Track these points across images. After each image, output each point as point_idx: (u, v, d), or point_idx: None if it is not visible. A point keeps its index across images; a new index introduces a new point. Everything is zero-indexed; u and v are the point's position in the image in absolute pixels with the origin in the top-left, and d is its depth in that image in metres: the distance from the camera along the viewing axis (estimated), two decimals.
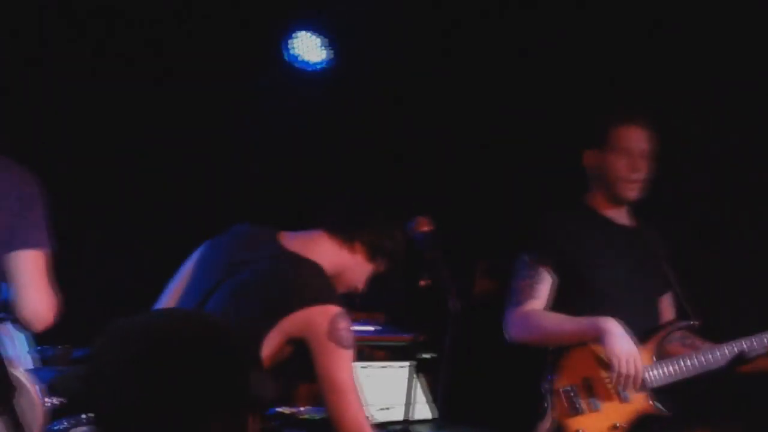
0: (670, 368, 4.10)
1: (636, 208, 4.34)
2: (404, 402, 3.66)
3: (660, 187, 4.29)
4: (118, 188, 5.39)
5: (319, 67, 5.85)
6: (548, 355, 4.16)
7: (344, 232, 3.41)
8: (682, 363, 4.10)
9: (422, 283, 3.42)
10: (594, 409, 4.01)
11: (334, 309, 3.20)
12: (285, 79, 5.80)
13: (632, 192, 4.26)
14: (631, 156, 4.21)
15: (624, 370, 3.96)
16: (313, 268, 3.28)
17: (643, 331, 4.15)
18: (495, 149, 5.78)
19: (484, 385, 3.91)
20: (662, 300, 4.37)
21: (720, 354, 4.11)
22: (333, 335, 3.14)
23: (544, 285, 4.20)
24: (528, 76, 5.54)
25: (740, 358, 4.07)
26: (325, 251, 3.37)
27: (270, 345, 3.15)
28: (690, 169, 4.97)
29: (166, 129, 5.44)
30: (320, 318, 3.15)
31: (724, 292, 4.95)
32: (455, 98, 5.79)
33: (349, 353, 3.16)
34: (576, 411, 3.99)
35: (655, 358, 4.13)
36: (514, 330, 4.19)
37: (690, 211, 5.09)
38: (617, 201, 4.29)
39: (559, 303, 4.21)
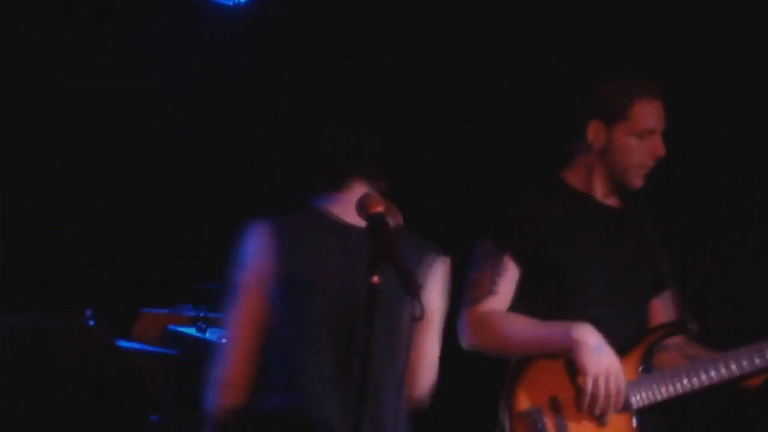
0: (661, 384, 3.50)
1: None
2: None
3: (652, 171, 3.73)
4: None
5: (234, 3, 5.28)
6: (508, 368, 3.54)
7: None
8: (675, 378, 3.51)
9: (374, 279, 2.80)
10: None
11: None
12: (195, 20, 5.32)
13: (641, 180, 3.66)
14: (654, 138, 3.62)
15: (599, 392, 3.39)
16: None
17: (629, 337, 3.55)
18: (458, 111, 5.07)
19: (439, 405, 3.40)
20: (656, 301, 3.75)
21: (724, 366, 3.52)
22: None
23: (507, 278, 3.58)
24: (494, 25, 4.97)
25: (749, 373, 3.48)
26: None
27: None
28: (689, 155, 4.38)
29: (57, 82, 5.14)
30: None
31: (728, 292, 4.45)
32: (408, 47, 5.12)
33: None
34: None
35: (641, 371, 3.53)
36: (468, 334, 3.56)
37: (687, 199, 4.59)
38: (618, 188, 3.68)
39: (524, 301, 3.59)
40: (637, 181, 3.66)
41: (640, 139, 3.65)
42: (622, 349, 3.51)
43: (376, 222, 2.93)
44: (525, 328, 3.53)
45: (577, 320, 3.50)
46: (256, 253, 3.13)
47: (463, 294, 3.60)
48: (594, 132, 3.66)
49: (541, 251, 3.59)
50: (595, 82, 3.71)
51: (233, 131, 5.31)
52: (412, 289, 2.81)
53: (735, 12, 4.63)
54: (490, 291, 3.58)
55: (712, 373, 3.51)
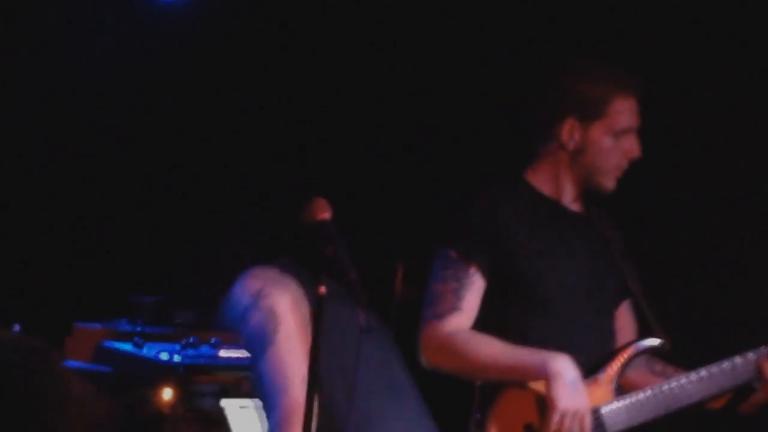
0: (639, 408, 3.43)
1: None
2: None
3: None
4: None
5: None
6: (476, 390, 3.43)
7: None
8: (652, 401, 3.44)
9: (321, 290, 2.77)
10: None
11: None
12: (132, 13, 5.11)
13: (614, 182, 3.54)
14: (629, 138, 3.50)
15: (563, 429, 3.30)
16: None
17: (599, 355, 3.47)
18: (414, 108, 4.90)
19: None
20: (618, 311, 3.65)
21: (700, 386, 3.46)
22: None
23: (473, 292, 3.45)
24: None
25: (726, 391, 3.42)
26: None
27: None
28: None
29: None
30: None
31: (693, 303, 4.31)
32: (361, 39, 4.96)
33: None
34: None
35: (614, 393, 3.45)
36: (429, 353, 3.45)
37: (651, 199, 4.43)
38: (589, 191, 3.55)
39: (488, 315, 3.46)
40: (609, 184, 3.54)
41: (615, 138, 3.52)
42: (593, 368, 3.45)
43: (322, 230, 2.87)
44: (495, 353, 3.41)
45: (546, 334, 3.43)
46: None
47: (423, 307, 3.47)
48: (569, 131, 3.53)
49: (509, 261, 3.47)
50: (568, 78, 3.55)
51: (164, 135, 5.16)
52: (361, 300, 2.76)
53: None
54: (454, 307, 3.44)
55: (690, 395, 3.46)
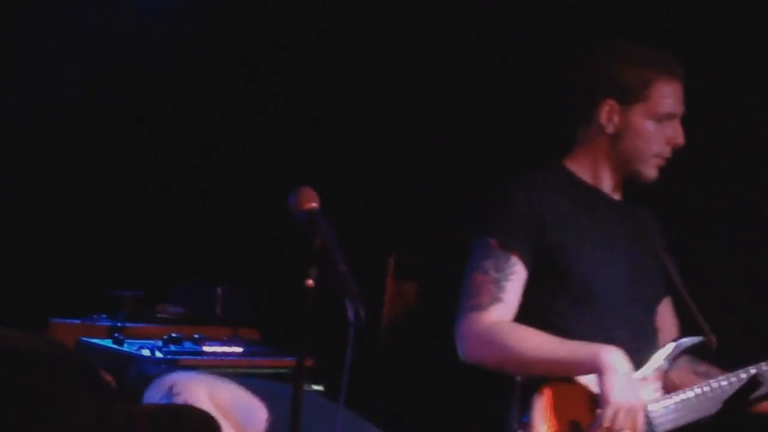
0: (687, 409, 3.30)
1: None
2: None
3: None
4: None
5: None
6: (517, 387, 3.31)
7: None
8: (701, 401, 3.30)
9: (308, 283, 2.65)
10: None
11: None
12: None
13: (656, 171, 3.45)
14: (673, 124, 3.42)
15: (615, 426, 3.18)
16: None
17: (643, 351, 3.34)
18: (406, 99, 4.80)
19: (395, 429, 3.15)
20: (660, 308, 3.55)
21: (735, 384, 3.31)
22: None
23: (514, 282, 3.34)
24: None
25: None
26: None
27: None
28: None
29: None
30: None
31: (736, 300, 4.08)
32: (353, 15, 4.87)
33: None
34: None
35: (662, 392, 3.35)
36: (470, 346, 3.34)
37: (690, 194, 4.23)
38: (629, 178, 3.46)
39: (527, 306, 3.36)
40: (650, 172, 3.46)
41: (657, 124, 3.44)
42: (639, 363, 3.35)
43: (310, 219, 2.77)
44: (542, 346, 3.31)
45: (590, 327, 3.33)
46: None
47: (461, 299, 3.38)
48: (608, 113, 3.46)
49: (551, 250, 3.38)
50: (607, 59, 3.48)
51: (140, 129, 5.11)
52: (350, 293, 2.66)
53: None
54: (495, 297, 3.35)
55: (728, 388, 3.31)
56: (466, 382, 3.38)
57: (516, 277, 3.34)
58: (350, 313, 2.64)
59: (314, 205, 2.80)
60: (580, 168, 3.51)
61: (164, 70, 5.01)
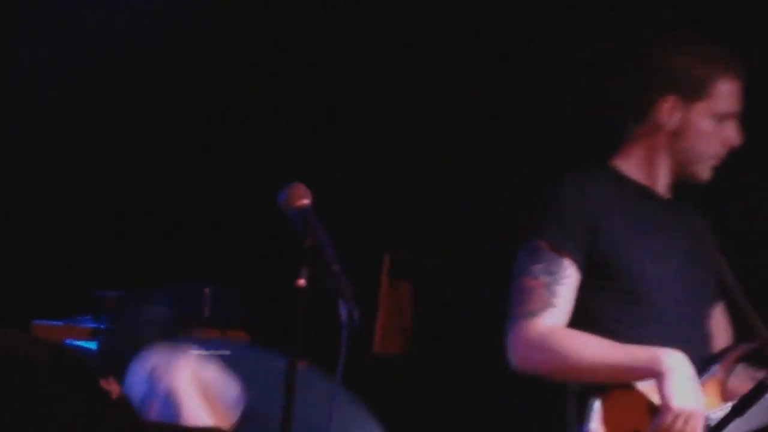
0: (746, 416, 3.08)
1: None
2: None
3: None
4: None
5: None
6: (572, 397, 3.19)
7: None
8: (762, 406, 3.07)
9: (300, 282, 2.62)
10: None
11: None
12: None
13: (710, 172, 3.35)
14: (731, 123, 3.31)
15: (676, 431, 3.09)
16: None
17: (700, 356, 3.23)
18: (405, 97, 4.75)
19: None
20: (713, 313, 3.45)
21: None
22: None
23: (567, 287, 3.22)
24: None
25: None
26: None
27: None
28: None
29: None
30: None
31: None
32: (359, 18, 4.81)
33: None
34: None
35: (725, 400, 3.19)
36: (524, 354, 3.22)
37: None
38: (683, 179, 3.36)
39: (580, 310, 3.23)
40: (705, 173, 3.36)
41: (718, 122, 3.34)
42: (699, 370, 3.24)
43: (302, 217, 2.74)
44: (600, 351, 3.22)
45: (645, 331, 3.24)
46: None
47: (511, 305, 3.28)
48: (668, 110, 3.33)
49: (604, 252, 3.28)
50: (669, 54, 3.36)
51: (124, 129, 5.05)
52: (343, 292, 2.64)
53: None
54: (548, 303, 3.23)
55: None
56: (466, 382, 3.31)
57: (569, 281, 3.24)
58: (343, 314, 2.61)
59: (306, 202, 2.75)
60: (632, 167, 3.39)
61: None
